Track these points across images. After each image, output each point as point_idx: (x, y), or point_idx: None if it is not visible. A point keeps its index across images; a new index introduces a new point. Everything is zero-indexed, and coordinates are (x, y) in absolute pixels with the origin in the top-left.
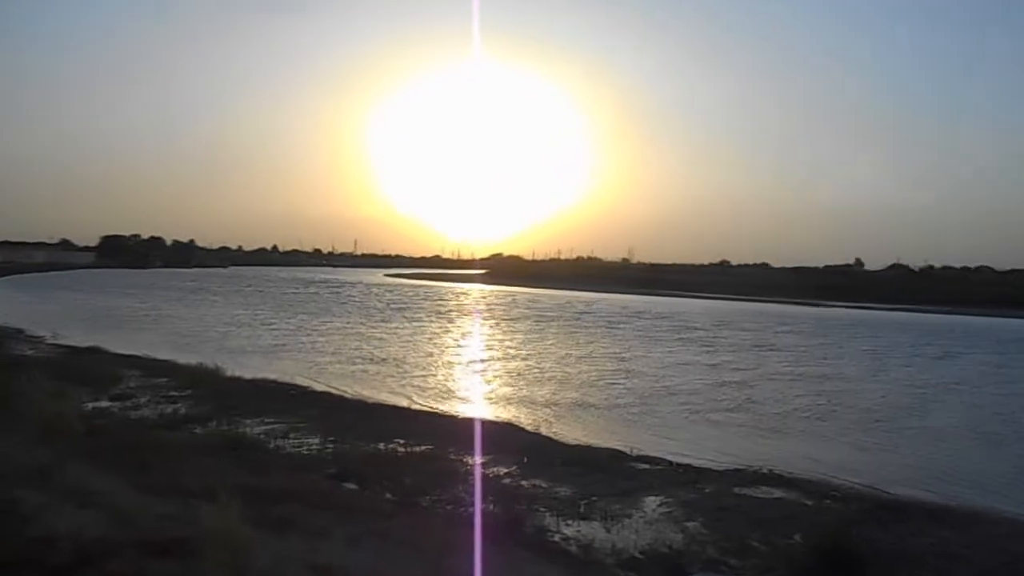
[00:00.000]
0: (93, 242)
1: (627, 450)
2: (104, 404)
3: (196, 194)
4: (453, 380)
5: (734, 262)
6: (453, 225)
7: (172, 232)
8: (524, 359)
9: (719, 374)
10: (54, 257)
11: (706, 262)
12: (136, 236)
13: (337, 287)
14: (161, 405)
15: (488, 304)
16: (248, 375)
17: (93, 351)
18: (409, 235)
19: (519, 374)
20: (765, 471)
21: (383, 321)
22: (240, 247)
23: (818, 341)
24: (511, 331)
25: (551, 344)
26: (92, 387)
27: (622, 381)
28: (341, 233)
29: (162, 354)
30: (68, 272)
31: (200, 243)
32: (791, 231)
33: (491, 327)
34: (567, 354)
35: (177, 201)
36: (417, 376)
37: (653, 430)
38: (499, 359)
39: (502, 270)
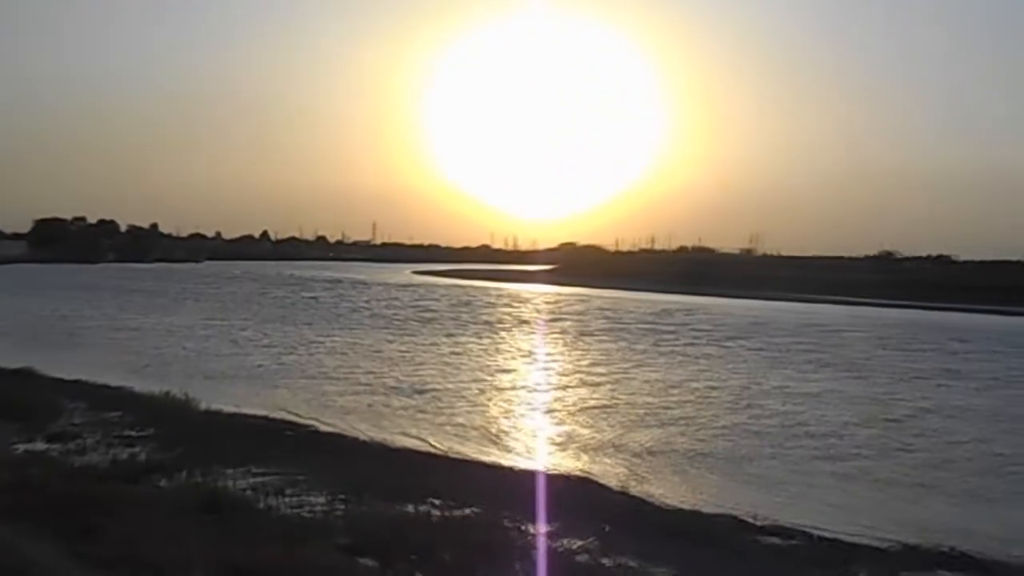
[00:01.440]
0: (24, 228)
1: (749, 517)
2: (39, 446)
3: (158, 163)
4: (507, 417)
5: (902, 253)
6: (507, 201)
7: (128, 214)
8: (605, 389)
9: (875, 410)
10: None
11: (861, 254)
12: (80, 220)
13: (348, 289)
14: (114, 448)
15: (556, 312)
16: (230, 408)
17: (24, 375)
18: (446, 215)
19: (598, 409)
20: (945, 549)
21: (411, 335)
22: (218, 234)
23: (1021, 364)
24: (587, 350)
25: (642, 368)
26: (22, 423)
27: (741, 419)
28: (355, 214)
29: (116, 379)
30: None
31: (165, 228)
32: (980, 210)
33: (560, 344)
34: (665, 382)
35: (134, 172)
36: (458, 411)
37: (784, 488)
38: (570, 388)
39: (575, 265)
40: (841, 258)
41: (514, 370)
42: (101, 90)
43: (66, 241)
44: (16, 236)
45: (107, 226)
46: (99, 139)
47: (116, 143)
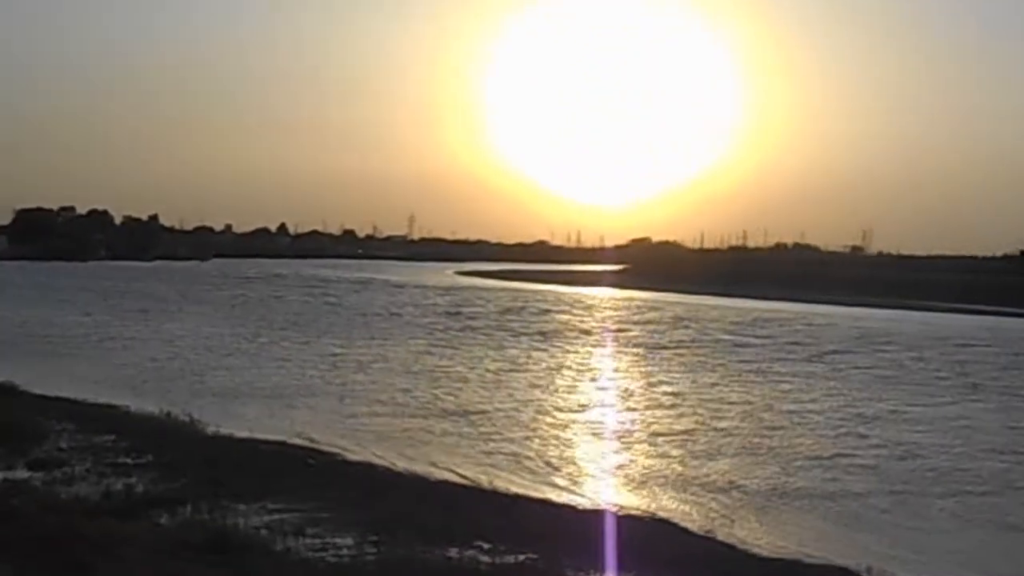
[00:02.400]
0: (3, 220)
1: (857, 567)
2: (20, 474)
3: (160, 144)
4: (567, 445)
5: None
6: (568, 188)
7: (124, 203)
8: (682, 412)
9: (1007, 440)
10: None
11: (996, 253)
12: (68, 210)
13: (380, 293)
14: (107, 478)
15: (625, 320)
16: (242, 432)
17: (3, 391)
18: (497, 206)
19: (674, 436)
20: None
21: (453, 348)
22: (228, 227)
23: None
24: (661, 366)
25: (727, 387)
26: (1, 448)
27: (844, 449)
28: (390, 205)
29: (109, 397)
30: None
31: (166, 220)
32: None
33: (629, 359)
34: (753, 404)
35: (131, 155)
36: (509, 437)
37: (896, 532)
38: (641, 411)
39: (648, 265)
40: (972, 257)
41: (574, 389)
42: (93, 61)
43: (52, 235)
44: None
45: (99, 218)
46: (91, 117)
47: (110, 122)
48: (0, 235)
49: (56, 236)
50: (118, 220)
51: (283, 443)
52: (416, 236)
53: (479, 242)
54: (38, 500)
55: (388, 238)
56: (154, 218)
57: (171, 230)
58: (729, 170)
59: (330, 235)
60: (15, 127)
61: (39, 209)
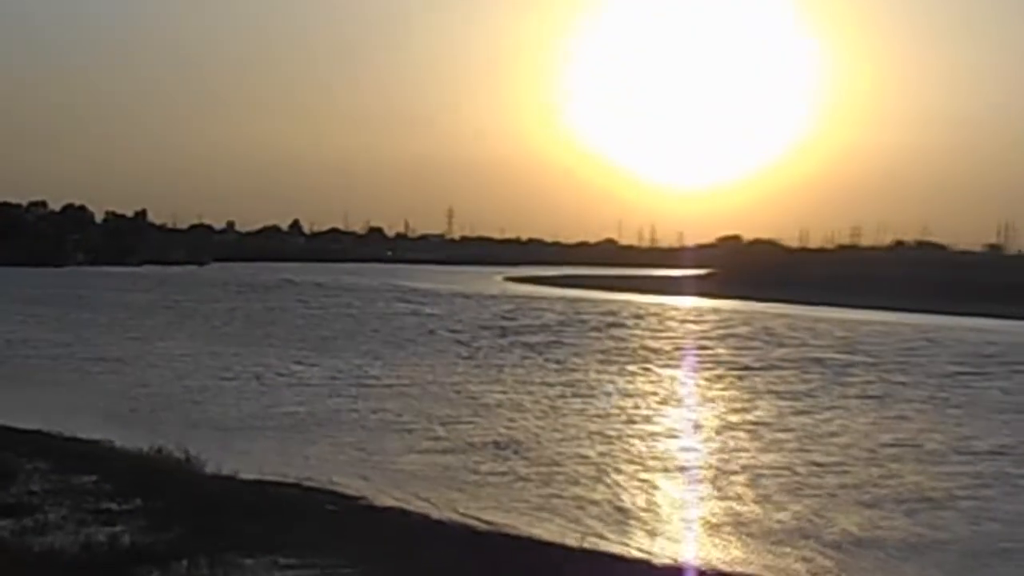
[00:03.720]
0: None
1: None
2: None
3: (148, 129)
4: (645, 487)
5: None
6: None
7: (105, 197)
8: (787, 448)
9: None
10: None
11: None
12: (39, 206)
13: (413, 303)
14: (87, 527)
15: (713, 336)
16: (248, 472)
17: None
18: (556, 195)
19: (777, 477)
20: None
21: (503, 369)
22: (231, 224)
23: None
24: (759, 391)
25: (841, 418)
26: None
27: (993, 493)
28: (425, 197)
29: (90, 429)
30: None
31: (156, 216)
32: None
33: (719, 382)
34: (874, 438)
35: (114, 141)
36: (571, 477)
37: None
38: (736, 446)
39: (741, 269)
40: None
41: (647, 419)
42: (67, 33)
43: (19, 235)
44: None
45: (76, 214)
46: (64, 95)
47: (88, 101)
48: None
49: (24, 237)
50: (98, 217)
51: (298, 485)
52: (456, 234)
53: (533, 241)
54: (5, 553)
55: (423, 237)
56: (141, 214)
57: (162, 229)
58: (816, 149)
59: (353, 234)
60: None
61: (3, 204)
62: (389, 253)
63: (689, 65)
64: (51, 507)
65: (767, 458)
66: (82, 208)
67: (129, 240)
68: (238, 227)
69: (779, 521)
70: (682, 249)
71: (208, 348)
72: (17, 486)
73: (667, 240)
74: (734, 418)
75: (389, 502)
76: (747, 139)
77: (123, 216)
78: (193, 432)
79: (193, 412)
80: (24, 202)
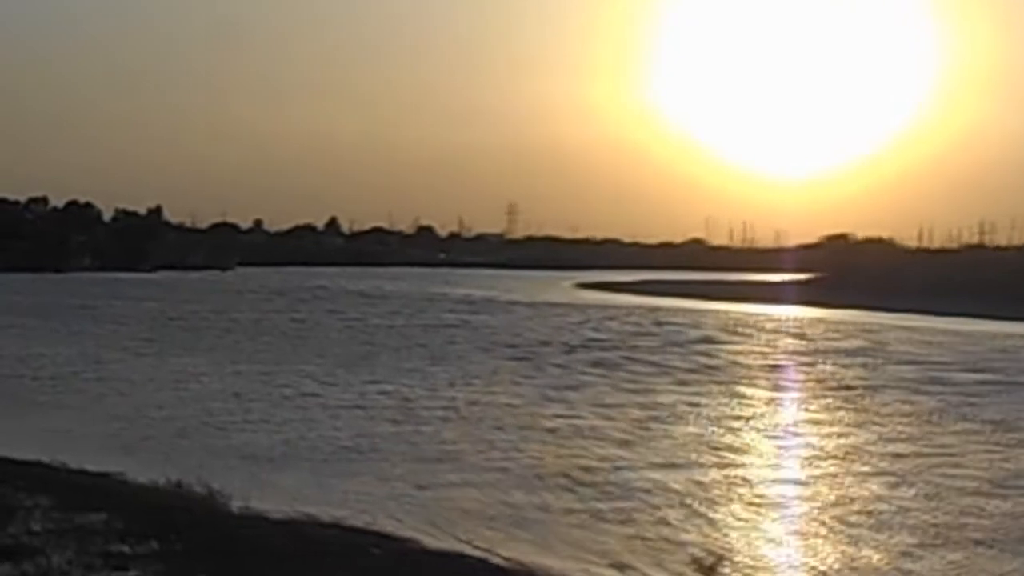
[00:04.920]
0: None
1: None
2: None
3: (162, 113)
4: (736, 526)
5: None
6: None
7: (114, 192)
8: (909, 482)
9: None
10: None
11: None
12: (39, 202)
13: (469, 313)
14: (96, 572)
15: (818, 350)
16: (279, 509)
17: None
18: (636, 187)
19: (896, 518)
20: None
21: (574, 389)
22: (258, 223)
23: None
24: (869, 416)
25: (971, 448)
26: None
27: None
28: (483, 191)
29: (98, 460)
30: None
31: (173, 215)
32: None
33: (825, 405)
34: (1012, 471)
35: (123, 128)
36: (657, 516)
37: None
38: (846, 480)
39: (850, 273)
40: None
41: (744, 448)
42: (77, 9)
43: (16, 236)
44: None
45: (81, 212)
46: (67, 79)
47: (95, 85)
48: None
49: (22, 238)
50: (107, 215)
51: (337, 525)
52: (518, 234)
53: (608, 242)
54: None
55: (479, 237)
56: (156, 212)
57: (179, 228)
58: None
59: (399, 234)
60: None
61: (0, 201)
62: (441, 256)
63: (788, 37)
64: (54, 550)
65: (883, 494)
66: (88, 205)
67: (142, 242)
68: (266, 226)
69: (904, 570)
70: (781, 250)
71: (232, 366)
72: (15, 525)
73: (763, 239)
74: (839, 447)
75: (442, 545)
76: (855, 121)
77: (135, 214)
78: (216, 463)
79: (216, 440)
80: (22, 198)
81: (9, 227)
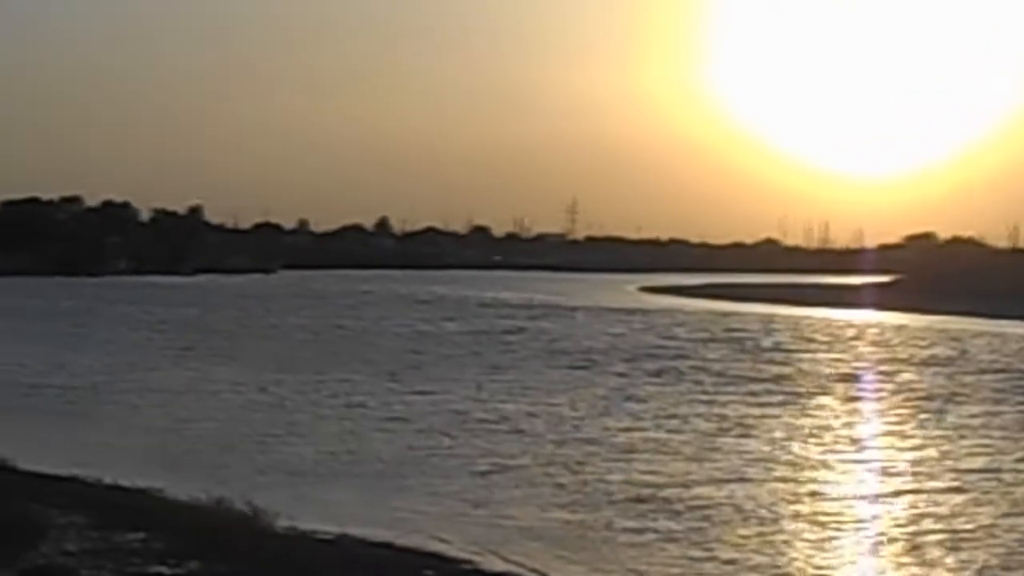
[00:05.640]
0: None
1: None
2: None
3: (201, 107)
4: (815, 549)
5: None
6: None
7: (151, 191)
8: (984, 500)
9: None
10: None
11: None
12: (73, 202)
13: (527, 319)
14: None
15: (900, 358)
16: (327, 528)
17: None
18: (704, 185)
19: (971, 538)
20: None
21: (640, 401)
22: (303, 224)
23: None
24: (957, 429)
25: None
26: None
27: None
28: (542, 189)
29: (136, 476)
30: None
31: (213, 215)
32: None
33: (907, 418)
34: None
35: (161, 124)
36: (729, 538)
37: None
38: (925, 495)
39: (934, 276)
40: None
41: (820, 463)
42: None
43: (49, 238)
44: None
45: (117, 212)
46: (102, 73)
47: (130, 79)
48: None
49: (56, 239)
50: (144, 215)
51: (389, 545)
52: (580, 234)
53: (674, 243)
54: None
55: (538, 238)
56: (195, 211)
57: (220, 229)
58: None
59: (453, 234)
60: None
61: (32, 201)
62: (497, 258)
63: (867, 27)
64: (90, 571)
65: (962, 511)
66: (124, 205)
67: (181, 243)
68: (312, 227)
69: None
70: (860, 251)
71: (276, 376)
72: (48, 544)
73: (841, 240)
74: (917, 461)
75: (500, 566)
76: (939, 118)
77: (173, 214)
78: (260, 479)
79: (259, 454)
80: (54, 197)
81: (41, 228)
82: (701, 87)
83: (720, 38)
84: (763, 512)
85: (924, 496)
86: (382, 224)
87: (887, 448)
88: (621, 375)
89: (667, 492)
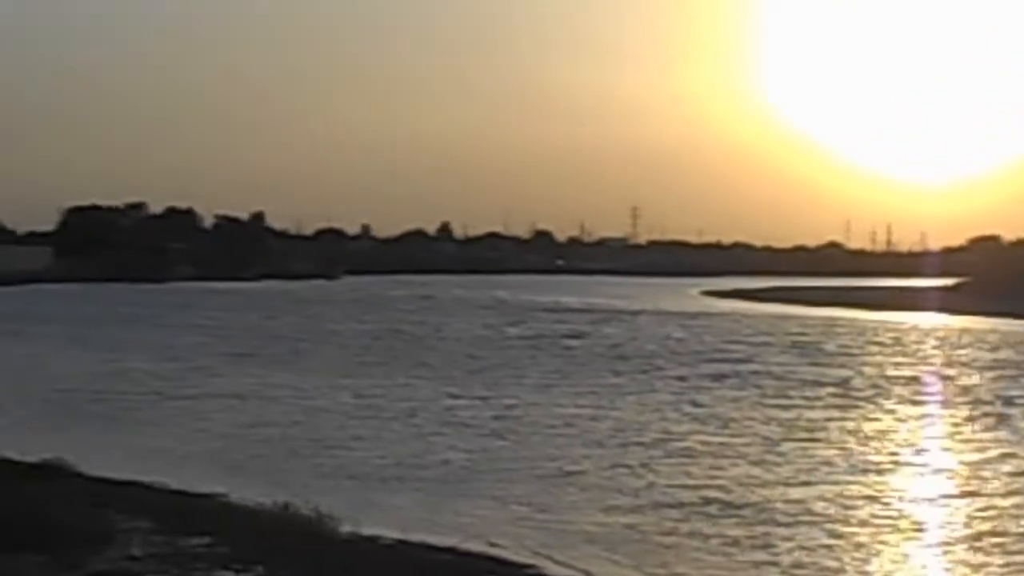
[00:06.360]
0: (48, 225)
1: None
2: None
3: (264, 113)
4: (891, 556)
5: None
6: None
7: (214, 197)
8: None
9: None
10: None
11: None
12: (136, 209)
13: (589, 323)
14: None
15: (967, 362)
16: (391, 532)
17: (52, 471)
18: (765, 191)
19: None
20: None
21: (704, 406)
22: (365, 228)
23: None
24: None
25: None
26: (47, 556)
27: None
28: (604, 193)
29: (199, 480)
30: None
31: (275, 221)
32: None
33: (977, 423)
34: None
35: (223, 129)
36: (800, 543)
37: None
38: (997, 504)
39: (999, 277)
40: None
41: (886, 465)
42: (180, 10)
43: (113, 245)
44: (36, 236)
45: (180, 219)
46: (165, 78)
47: (192, 83)
48: (43, 246)
49: (119, 246)
50: (207, 222)
51: (452, 549)
52: (642, 239)
53: (737, 246)
54: None
55: (601, 242)
56: (258, 217)
57: (283, 235)
58: None
59: (515, 239)
60: (61, 94)
61: (95, 208)
62: (559, 262)
63: (927, 29)
64: (155, 575)
65: None
66: (188, 211)
67: (244, 249)
68: (374, 232)
69: None
70: (925, 254)
71: (338, 381)
72: (114, 550)
73: (905, 243)
74: (985, 466)
75: (563, 572)
76: (1001, 122)
77: (236, 220)
78: (325, 484)
79: (324, 459)
80: (119, 204)
81: (105, 235)
82: (761, 92)
83: (768, 42)
84: (827, 516)
85: (986, 499)
86: (444, 229)
87: (950, 451)
88: (684, 379)
89: (731, 496)
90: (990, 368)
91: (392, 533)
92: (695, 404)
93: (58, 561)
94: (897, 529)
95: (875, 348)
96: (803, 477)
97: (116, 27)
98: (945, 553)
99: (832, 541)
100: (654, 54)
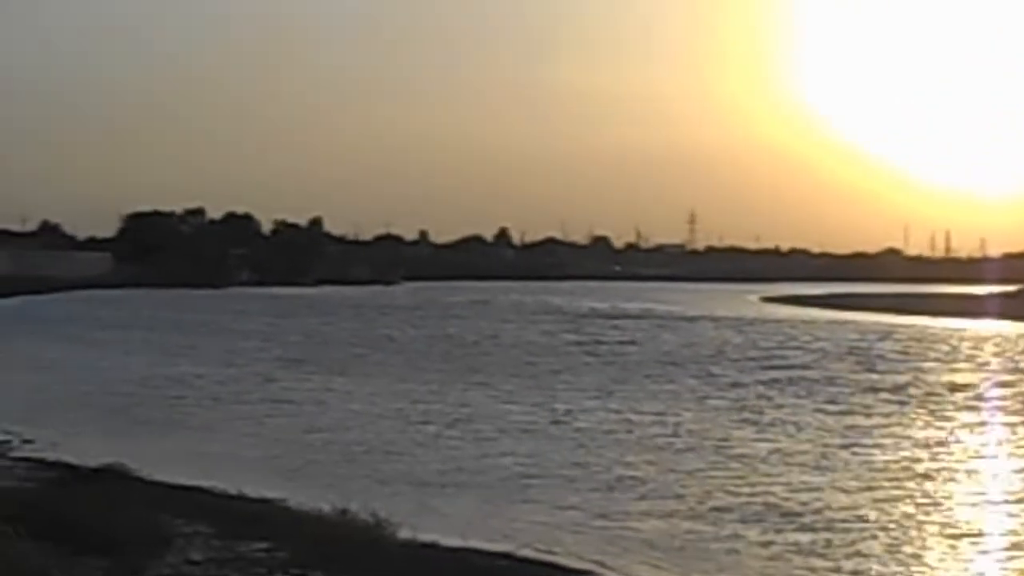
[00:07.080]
0: (108, 231)
1: None
2: None
3: (322, 119)
4: (944, 561)
5: None
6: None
7: (273, 203)
8: None
9: None
10: (27, 264)
11: None
12: (196, 215)
13: (647, 328)
14: None
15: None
16: (450, 538)
17: (112, 475)
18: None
19: None
20: None
21: (763, 411)
22: (423, 235)
23: None
24: None
25: None
26: (109, 560)
27: None
28: (661, 200)
29: (258, 486)
30: (58, 298)
31: (333, 227)
32: None
33: None
34: None
35: (282, 136)
36: (859, 550)
37: None
38: None
39: None
40: None
41: (945, 473)
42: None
43: (172, 250)
44: (94, 241)
45: (239, 224)
46: (222, 84)
47: (252, 90)
48: (102, 251)
49: (179, 252)
50: (266, 228)
51: (509, 555)
52: (700, 244)
53: (795, 252)
54: None
55: (658, 248)
56: (316, 223)
57: (341, 241)
58: None
59: (572, 244)
60: (121, 102)
61: (155, 214)
62: (617, 268)
63: (980, 35)
64: None
65: None
66: (246, 217)
67: (302, 255)
68: (432, 238)
69: None
70: (984, 260)
71: (396, 386)
72: (174, 554)
73: (964, 250)
74: None
75: None
76: None
77: (295, 226)
78: (383, 489)
79: (382, 464)
80: (177, 210)
81: (165, 240)
82: (789, 96)
83: (807, 46)
84: (887, 522)
85: None
86: (502, 235)
87: (1008, 458)
88: (742, 385)
89: (791, 502)
90: None
91: (449, 539)
92: (752, 410)
93: (119, 565)
94: (956, 536)
95: (933, 354)
96: (863, 482)
97: (177, 43)
98: (1005, 560)
99: (891, 548)
100: (690, 56)
